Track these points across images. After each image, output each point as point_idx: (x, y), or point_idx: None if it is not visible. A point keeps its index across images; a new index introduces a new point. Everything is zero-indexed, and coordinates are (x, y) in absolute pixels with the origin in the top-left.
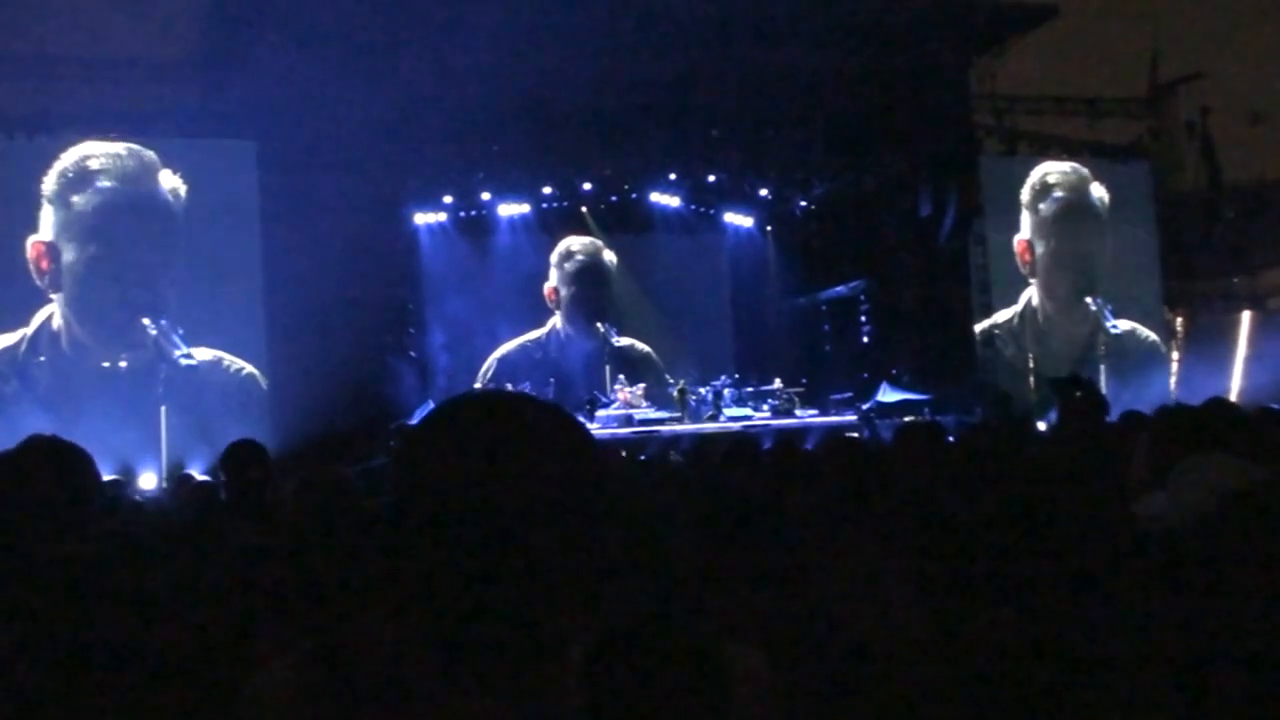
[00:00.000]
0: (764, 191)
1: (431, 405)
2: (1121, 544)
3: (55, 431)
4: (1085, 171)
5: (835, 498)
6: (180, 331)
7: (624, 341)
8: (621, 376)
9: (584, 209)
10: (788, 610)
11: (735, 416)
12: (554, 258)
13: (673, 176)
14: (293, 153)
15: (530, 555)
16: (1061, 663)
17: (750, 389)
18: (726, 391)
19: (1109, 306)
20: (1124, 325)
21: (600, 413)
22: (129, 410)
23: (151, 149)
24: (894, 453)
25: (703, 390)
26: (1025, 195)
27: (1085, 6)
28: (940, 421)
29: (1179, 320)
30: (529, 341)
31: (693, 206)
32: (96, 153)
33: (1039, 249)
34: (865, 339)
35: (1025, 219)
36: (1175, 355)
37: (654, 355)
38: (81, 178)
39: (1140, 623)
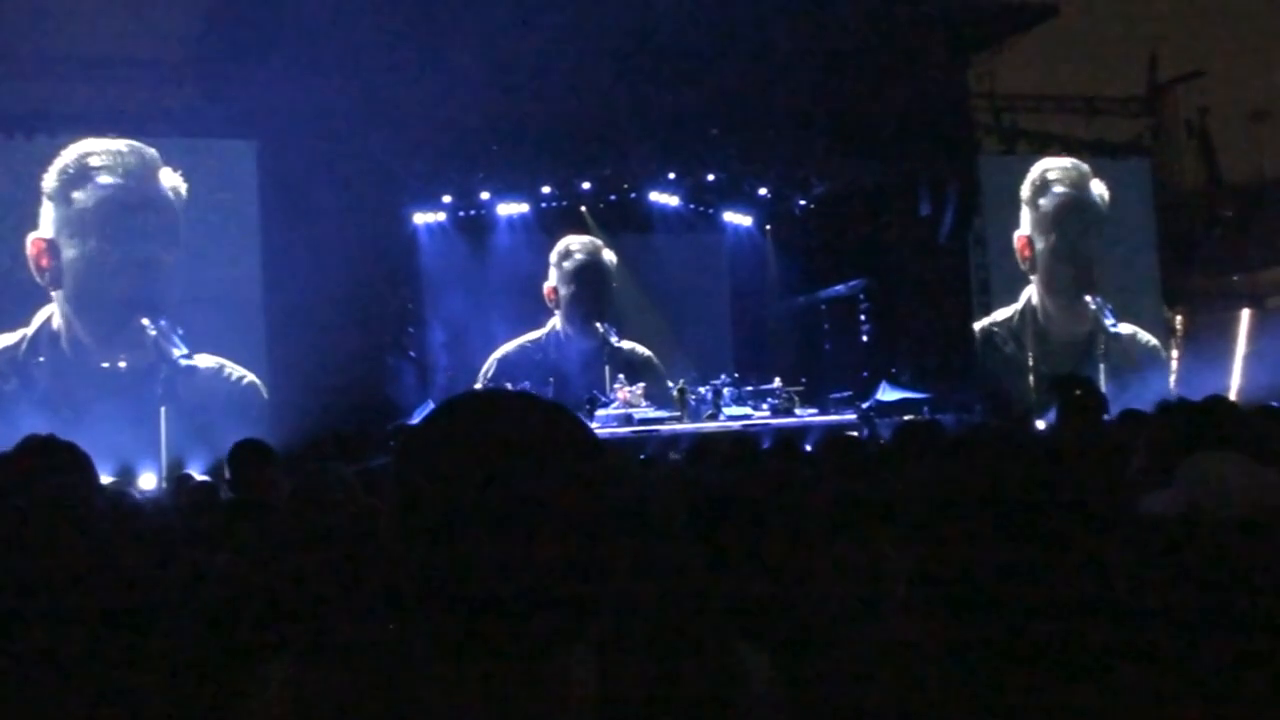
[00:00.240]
0: (763, 191)
1: (431, 405)
2: (1127, 541)
3: (55, 432)
4: (1085, 168)
5: (835, 497)
6: (180, 332)
7: (626, 345)
8: (621, 376)
9: (583, 208)
10: (788, 610)
11: (735, 416)
12: (553, 257)
13: (672, 176)
14: (292, 152)
15: (534, 555)
16: (1065, 662)
17: (750, 388)
18: (726, 391)
19: (1109, 306)
20: (1125, 329)
21: (600, 412)
22: (129, 411)
23: (153, 148)
24: (893, 451)
25: (702, 389)
26: (1025, 191)
27: (1084, 5)
28: (939, 420)
29: (1178, 319)
30: (528, 342)
31: (692, 206)
32: (97, 149)
33: (1039, 245)
34: (865, 338)
35: (1025, 215)
36: (1174, 353)
37: (655, 360)
38: (82, 174)
39: (1147, 622)
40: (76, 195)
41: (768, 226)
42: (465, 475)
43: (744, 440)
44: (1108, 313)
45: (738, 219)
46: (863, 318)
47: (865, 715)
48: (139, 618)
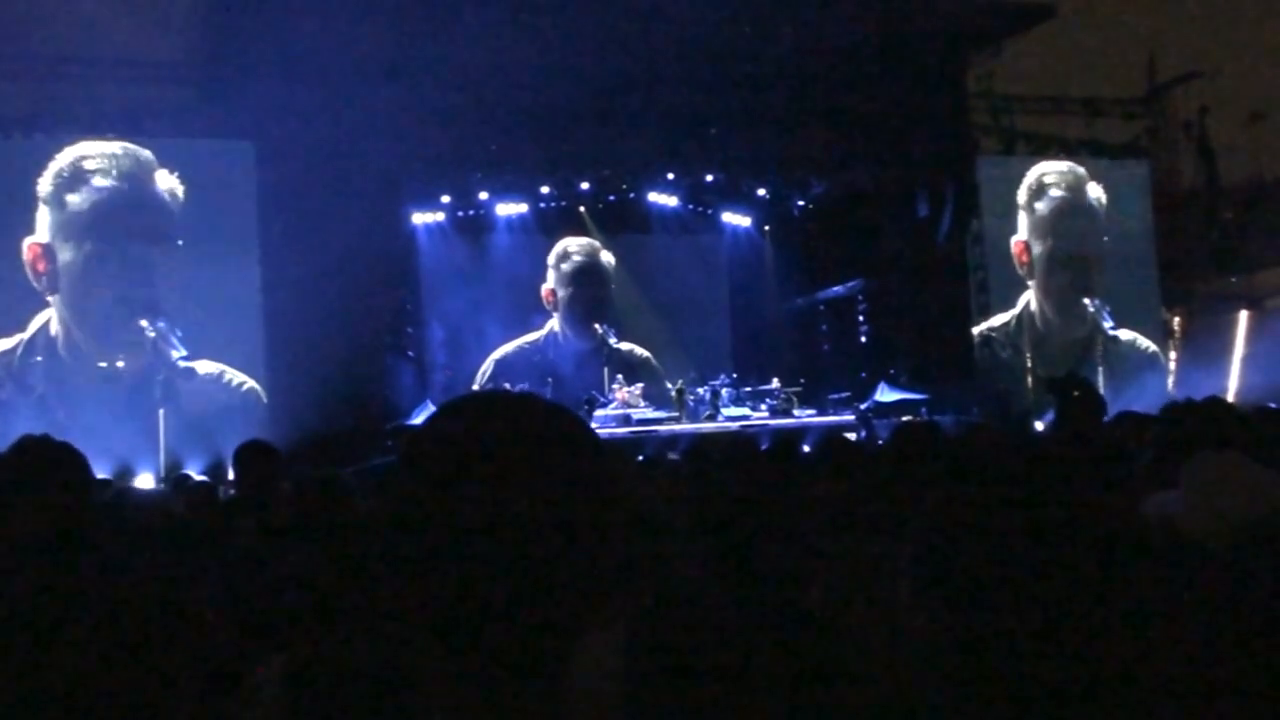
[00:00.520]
0: (762, 191)
1: (429, 405)
2: (1132, 541)
3: (51, 434)
4: (1082, 171)
5: (833, 497)
6: (178, 334)
7: (624, 346)
8: (620, 377)
9: (582, 209)
10: (788, 610)
11: (733, 416)
12: (551, 259)
13: (670, 176)
14: (291, 153)
15: (539, 557)
16: (1069, 663)
17: (748, 389)
18: (724, 391)
19: (1107, 309)
20: (1124, 334)
21: (598, 413)
22: (127, 412)
23: (149, 149)
24: (890, 452)
25: (701, 390)
26: (1022, 196)
27: (1082, 6)
28: (938, 421)
29: (1176, 320)
30: (526, 343)
31: (691, 206)
32: (92, 152)
33: (1036, 249)
34: (863, 339)
35: (1022, 219)
36: (1172, 355)
37: (654, 360)
38: (77, 177)
39: (1154, 623)
40: (71, 198)
41: (766, 227)
42: (469, 476)
43: (743, 441)
44: (1106, 316)
45: (736, 219)
46: (861, 318)
47: (863, 715)
48: (137, 617)
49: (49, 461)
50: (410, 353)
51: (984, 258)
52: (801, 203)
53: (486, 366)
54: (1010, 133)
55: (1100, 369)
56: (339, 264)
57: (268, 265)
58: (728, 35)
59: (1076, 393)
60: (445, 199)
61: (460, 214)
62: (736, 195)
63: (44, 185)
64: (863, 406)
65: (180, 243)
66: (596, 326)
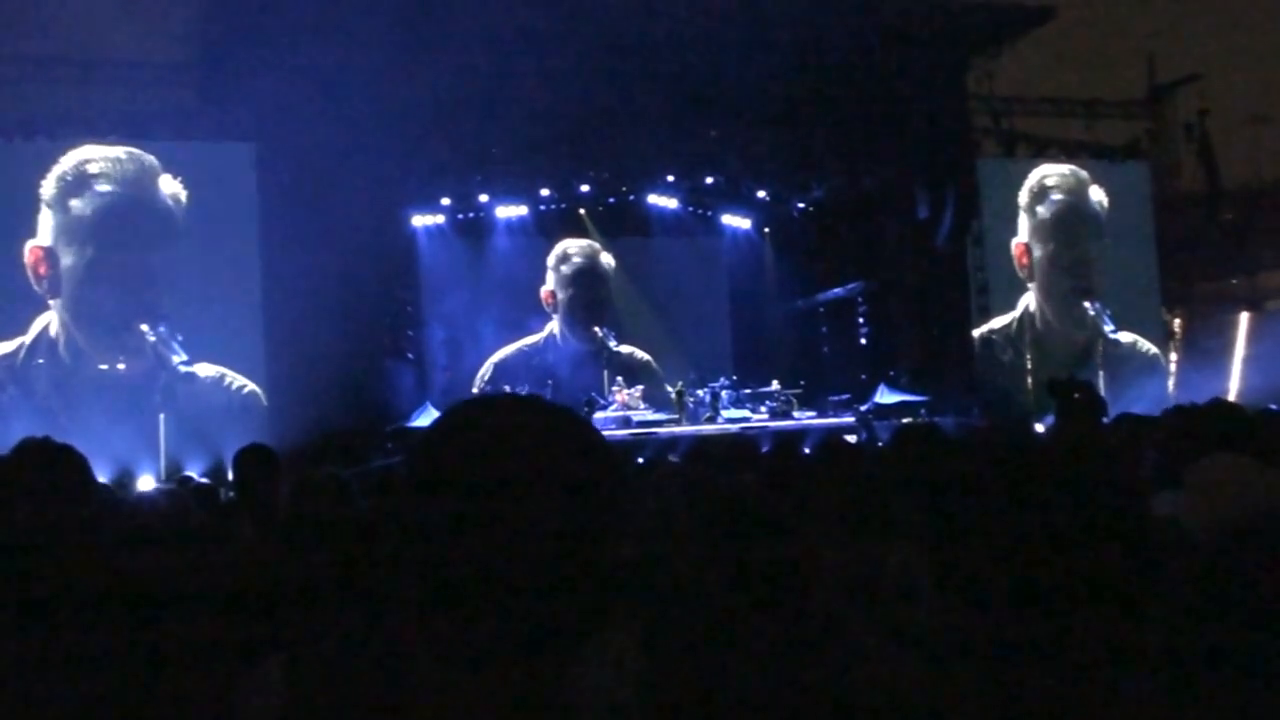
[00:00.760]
0: (762, 193)
1: (429, 407)
2: (1138, 543)
3: (53, 437)
4: (1084, 174)
5: (834, 499)
6: (179, 338)
7: (624, 349)
8: (619, 379)
9: (582, 211)
10: (788, 611)
11: (733, 418)
12: (550, 261)
13: (670, 178)
14: (291, 155)
15: (545, 558)
16: (1072, 665)
17: (748, 391)
18: (724, 393)
19: (1108, 312)
20: (1125, 336)
21: (598, 415)
22: (127, 416)
23: (150, 151)
24: (891, 454)
25: (701, 392)
26: (1023, 198)
27: (1083, 8)
28: (938, 423)
29: (1177, 322)
30: (526, 346)
31: (690, 208)
32: (95, 156)
33: (1037, 252)
34: (863, 341)
35: (1023, 222)
36: (1173, 357)
37: (654, 363)
38: (80, 181)
39: (1160, 624)
40: (75, 202)
41: (766, 229)
42: (476, 478)
43: (743, 443)
44: (1107, 319)
45: (736, 222)
46: (861, 320)
47: (868, 713)
48: (137, 618)
49: (50, 463)
50: (410, 355)
51: (984, 260)
52: (801, 205)
53: (485, 369)
54: (1011, 134)
55: (1101, 371)
56: (339, 266)
57: (268, 267)
58: (727, 37)
59: (1077, 394)
60: (445, 201)
61: (460, 216)
62: (736, 197)
63: (47, 188)
64: (863, 408)
65: (182, 248)
66: (596, 329)
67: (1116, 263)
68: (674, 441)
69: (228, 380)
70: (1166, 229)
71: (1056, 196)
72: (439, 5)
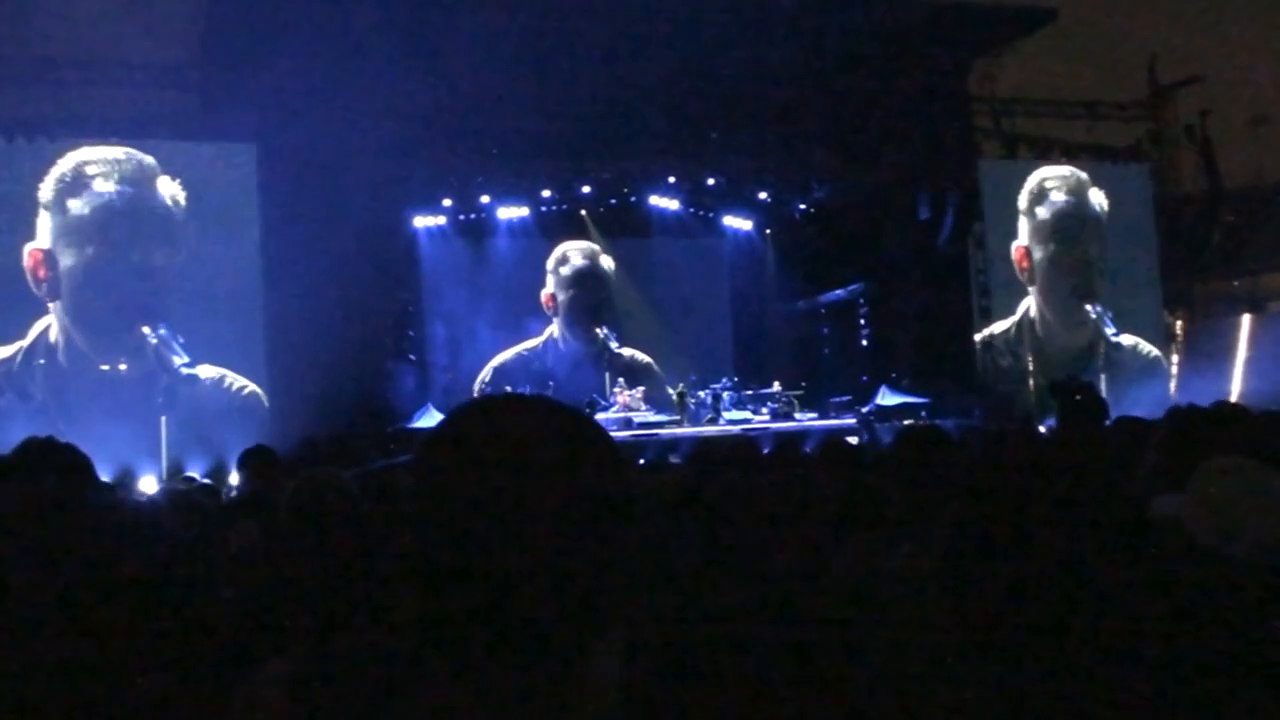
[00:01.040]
0: (763, 195)
1: (431, 408)
2: (1139, 544)
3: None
4: (1084, 176)
5: (835, 500)
6: (181, 340)
7: (625, 351)
8: (621, 380)
9: (583, 212)
10: (790, 613)
11: (735, 420)
12: (550, 264)
13: (672, 180)
14: (293, 156)
15: (553, 559)
16: (1072, 664)
17: (749, 392)
18: (726, 394)
19: (1110, 315)
20: (1127, 340)
21: (599, 416)
22: (128, 416)
23: (152, 152)
24: (892, 456)
25: (702, 393)
26: (1023, 201)
27: (1084, 10)
28: (939, 424)
29: (1178, 323)
30: (525, 350)
31: (692, 210)
32: (93, 158)
33: (1037, 254)
34: (864, 342)
35: (1023, 225)
36: (1174, 359)
37: (655, 366)
38: (78, 182)
39: (1162, 625)
40: (73, 203)
41: (767, 230)
42: (484, 478)
43: (744, 444)
44: (1108, 321)
45: (737, 223)
46: (862, 322)
47: (869, 713)
48: (140, 618)
49: (53, 463)
50: (411, 355)
51: (986, 261)
52: (803, 206)
53: (485, 374)
54: (1012, 136)
55: (1102, 374)
56: (341, 267)
57: (269, 268)
58: (729, 39)
59: (1078, 396)
60: (446, 202)
61: (461, 217)
62: (737, 199)
63: (45, 191)
64: (864, 410)
65: (182, 249)
66: (598, 330)
67: (1118, 264)
68: (675, 443)
69: (228, 381)
70: (1167, 230)
71: (1056, 198)
72: (440, 7)
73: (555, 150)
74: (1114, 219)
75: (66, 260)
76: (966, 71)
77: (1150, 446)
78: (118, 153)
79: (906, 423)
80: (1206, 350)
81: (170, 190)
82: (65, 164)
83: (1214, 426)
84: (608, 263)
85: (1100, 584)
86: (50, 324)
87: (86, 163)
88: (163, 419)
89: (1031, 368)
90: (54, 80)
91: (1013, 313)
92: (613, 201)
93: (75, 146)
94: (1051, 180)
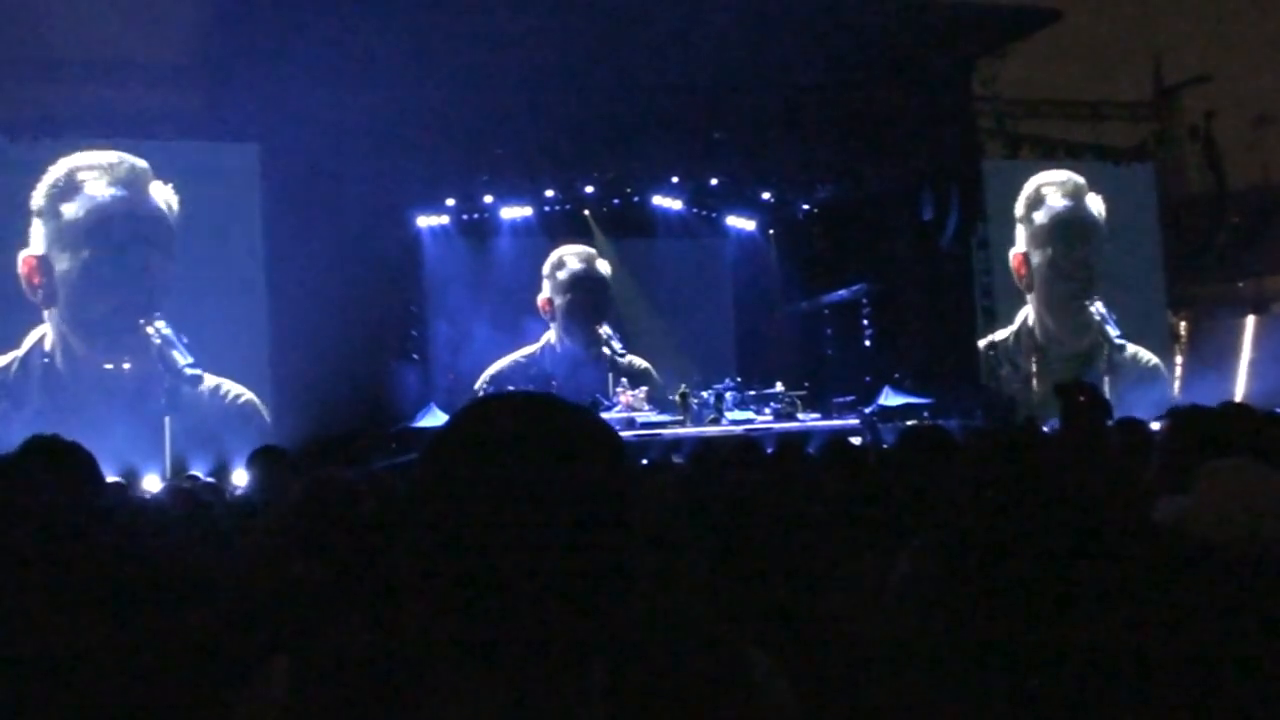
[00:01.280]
0: (766, 195)
1: (434, 408)
2: (1142, 546)
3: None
4: (1081, 180)
5: (838, 501)
6: (185, 340)
7: (624, 359)
8: (624, 380)
9: (586, 212)
10: (793, 614)
11: (737, 420)
12: (546, 269)
13: (675, 180)
14: (295, 155)
15: (560, 556)
16: (1076, 666)
17: (752, 392)
18: (729, 395)
19: (1113, 318)
20: (1128, 349)
21: (601, 416)
22: (130, 416)
23: (154, 152)
24: (898, 456)
25: (705, 393)
26: (1019, 208)
27: (1088, 9)
28: (943, 425)
29: (1182, 325)
30: (523, 357)
31: (695, 210)
32: (85, 162)
33: (1035, 259)
34: (867, 342)
35: (1020, 231)
36: (1178, 360)
37: (653, 371)
38: (71, 187)
39: (1163, 626)
40: (66, 208)
41: (771, 230)
42: (492, 476)
43: (747, 444)
44: (1112, 324)
45: (741, 223)
46: (865, 322)
47: (871, 715)
48: (145, 616)
49: (58, 461)
50: (415, 355)
51: (989, 262)
52: (806, 206)
53: (482, 382)
54: (1016, 136)
55: (1105, 379)
56: (344, 267)
57: (272, 268)
58: (733, 39)
59: (1082, 396)
60: (450, 202)
61: (465, 217)
62: (741, 199)
63: (38, 198)
64: (867, 410)
65: (176, 252)
66: (599, 330)
67: (1121, 265)
68: (678, 443)
69: (224, 390)
70: (1172, 232)
71: (1054, 203)
72: (444, 6)
73: (559, 150)
74: (1118, 220)
75: (62, 265)
76: (970, 71)
77: (1154, 448)
78: (110, 156)
79: (910, 423)
80: (1211, 352)
81: (163, 194)
82: (57, 170)
83: (1218, 427)
84: (604, 266)
85: (1104, 585)
86: (45, 332)
87: (79, 167)
88: (166, 419)
89: (1034, 367)
90: (57, 81)
91: (1015, 316)
92: (616, 202)
93: (78, 146)
94: (1047, 185)
